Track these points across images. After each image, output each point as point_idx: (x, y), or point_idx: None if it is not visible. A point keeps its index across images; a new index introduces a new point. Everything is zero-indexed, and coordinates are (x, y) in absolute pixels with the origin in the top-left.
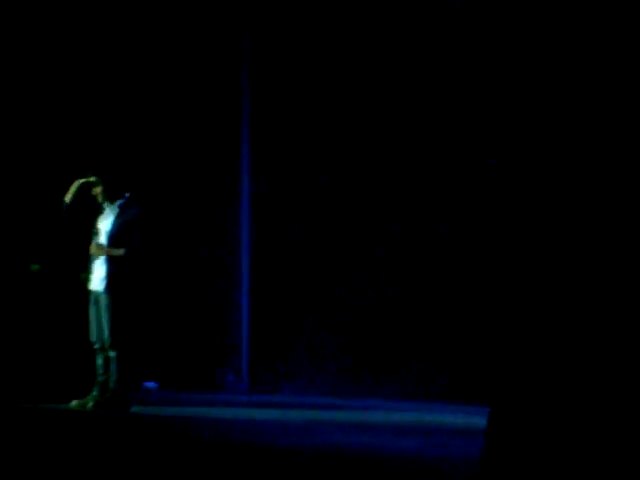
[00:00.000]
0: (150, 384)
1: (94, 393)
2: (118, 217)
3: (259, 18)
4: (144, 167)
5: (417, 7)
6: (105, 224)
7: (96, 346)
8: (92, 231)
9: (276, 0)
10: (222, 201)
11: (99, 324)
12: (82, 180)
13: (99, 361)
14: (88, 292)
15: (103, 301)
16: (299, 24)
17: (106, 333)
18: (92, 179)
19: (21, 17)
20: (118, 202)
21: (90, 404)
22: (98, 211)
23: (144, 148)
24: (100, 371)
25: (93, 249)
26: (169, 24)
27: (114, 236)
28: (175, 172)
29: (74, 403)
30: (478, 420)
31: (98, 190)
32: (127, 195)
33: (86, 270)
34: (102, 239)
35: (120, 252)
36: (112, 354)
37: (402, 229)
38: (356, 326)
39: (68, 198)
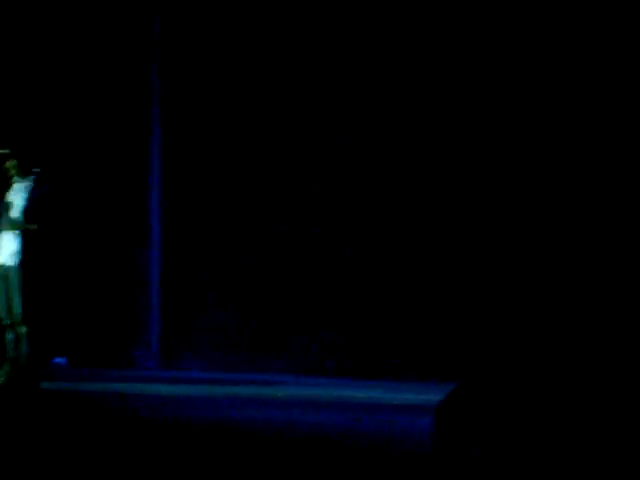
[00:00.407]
0: (60, 360)
1: (5, 369)
2: (30, 192)
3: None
4: (55, 145)
5: None
6: (17, 199)
7: (5, 322)
8: (3, 206)
9: None
10: (133, 175)
11: (9, 300)
12: None
13: (9, 337)
14: None
15: (14, 276)
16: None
17: (17, 309)
18: (4, 151)
19: None
20: (30, 177)
21: (1, 379)
22: (6, 185)
23: (57, 129)
24: (11, 346)
25: (5, 224)
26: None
27: (27, 211)
28: (86, 151)
29: None
30: (384, 395)
31: (10, 164)
32: (38, 170)
33: None
34: (15, 214)
35: (34, 227)
36: (22, 330)
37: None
38: (263, 302)
39: None
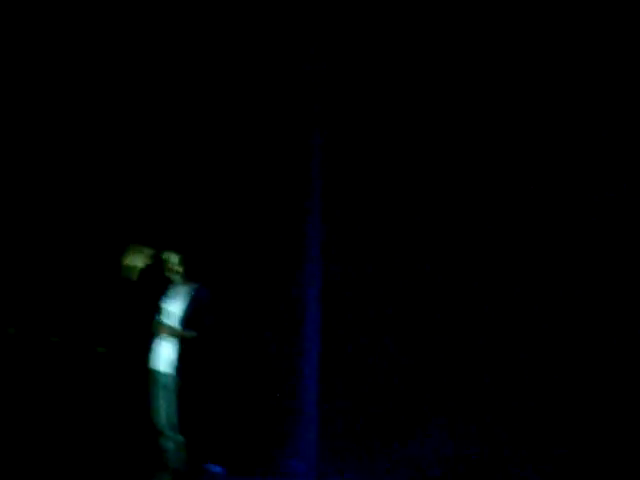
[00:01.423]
0: (216, 468)
1: (166, 478)
2: (188, 301)
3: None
4: (209, 247)
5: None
6: (175, 305)
7: (162, 430)
8: (159, 311)
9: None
10: (288, 267)
11: (165, 407)
12: (147, 250)
13: (168, 446)
14: (151, 373)
15: (170, 383)
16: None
17: (173, 417)
18: (170, 256)
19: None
20: (190, 284)
21: None
22: (165, 289)
23: (211, 227)
24: (168, 456)
25: (163, 330)
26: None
27: (184, 319)
28: (242, 255)
29: None
30: None
31: (176, 269)
32: (199, 283)
33: (151, 354)
34: (172, 320)
35: (191, 335)
36: (180, 439)
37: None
38: (439, 410)
39: (134, 270)
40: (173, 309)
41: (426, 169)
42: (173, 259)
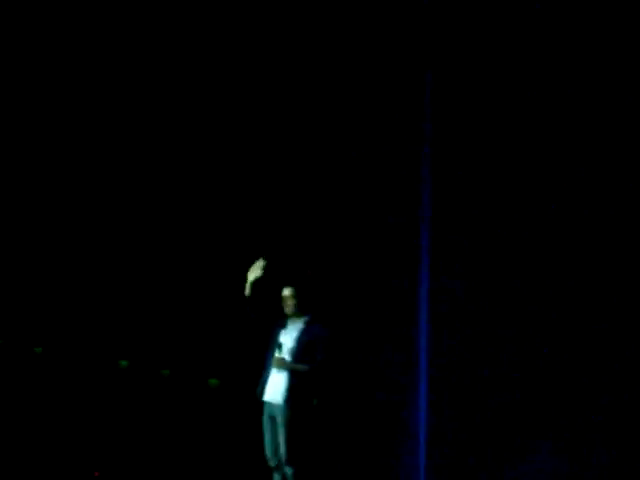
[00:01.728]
0: None
1: None
2: (303, 334)
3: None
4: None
5: None
6: (288, 339)
7: (272, 463)
8: (274, 343)
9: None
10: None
11: (275, 439)
12: (256, 272)
13: (277, 478)
14: (261, 404)
15: (280, 414)
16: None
17: (282, 449)
18: (284, 288)
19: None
20: (304, 318)
21: None
22: (279, 320)
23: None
24: None
25: (276, 363)
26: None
27: (298, 353)
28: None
29: None
30: None
31: (291, 302)
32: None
33: (261, 385)
34: (285, 354)
35: (304, 368)
36: (289, 471)
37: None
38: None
39: (247, 291)
40: (286, 341)
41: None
42: (287, 292)
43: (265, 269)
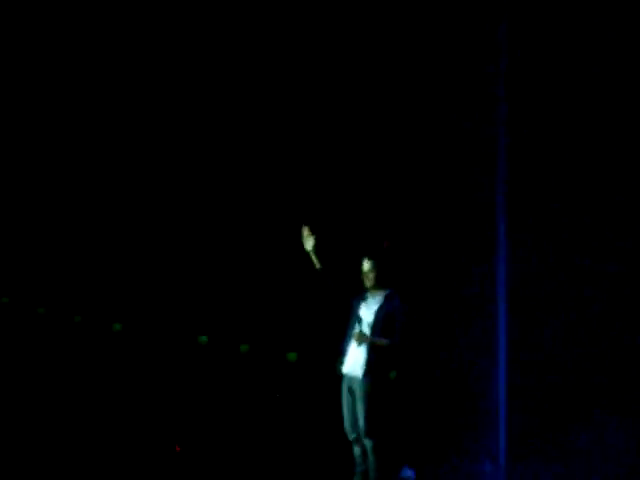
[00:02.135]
0: (408, 472)
1: None
2: (382, 308)
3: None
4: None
5: None
6: (368, 313)
7: (351, 437)
8: (354, 317)
9: None
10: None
11: (354, 412)
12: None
13: (356, 451)
14: (341, 377)
15: (359, 387)
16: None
17: (361, 422)
18: (364, 261)
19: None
20: (383, 292)
21: None
22: (359, 294)
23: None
24: (359, 461)
25: (356, 337)
26: None
27: (377, 327)
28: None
29: None
30: None
31: (371, 275)
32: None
33: (341, 358)
34: (364, 328)
35: (383, 342)
36: (368, 443)
37: None
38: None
39: (316, 264)
40: (366, 315)
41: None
42: (367, 265)
43: (315, 233)
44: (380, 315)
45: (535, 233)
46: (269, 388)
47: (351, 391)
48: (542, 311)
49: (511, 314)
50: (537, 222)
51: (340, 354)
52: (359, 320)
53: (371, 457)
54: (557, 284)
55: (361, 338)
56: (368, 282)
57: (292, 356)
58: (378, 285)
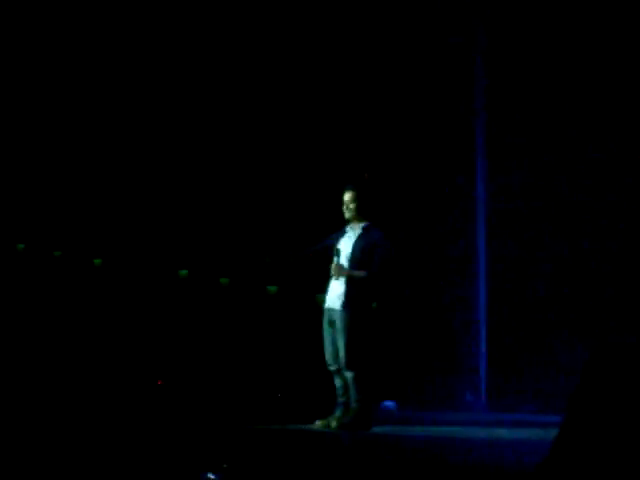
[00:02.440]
0: (389, 403)
1: (337, 414)
2: (360, 240)
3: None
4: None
5: None
6: (346, 246)
7: (332, 368)
8: (333, 251)
9: None
10: (458, 217)
11: (334, 344)
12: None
13: (337, 382)
14: (322, 310)
15: (339, 319)
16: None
17: (342, 354)
18: (345, 192)
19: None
20: (362, 224)
21: (333, 424)
22: (340, 229)
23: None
24: (340, 392)
25: (334, 270)
26: None
27: (355, 259)
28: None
29: (318, 423)
30: None
31: (352, 206)
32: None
33: (323, 291)
34: (343, 260)
35: (361, 274)
36: (349, 375)
37: None
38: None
39: None
40: (344, 248)
41: None
42: (348, 196)
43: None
44: (358, 247)
45: (514, 150)
46: (250, 321)
47: (331, 323)
48: (522, 230)
49: (489, 234)
50: (514, 138)
51: (322, 289)
52: (338, 253)
53: (352, 389)
54: (536, 203)
55: (338, 270)
56: (348, 213)
57: (273, 289)
58: (358, 217)
